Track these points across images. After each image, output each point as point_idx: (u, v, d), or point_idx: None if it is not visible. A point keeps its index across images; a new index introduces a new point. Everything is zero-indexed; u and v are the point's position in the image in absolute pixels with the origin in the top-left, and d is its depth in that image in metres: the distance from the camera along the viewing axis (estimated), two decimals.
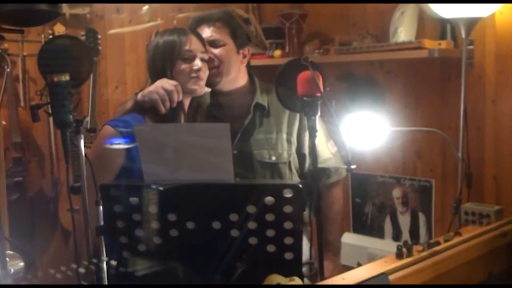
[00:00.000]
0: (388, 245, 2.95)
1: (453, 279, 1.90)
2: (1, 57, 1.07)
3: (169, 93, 1.86)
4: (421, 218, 2.85)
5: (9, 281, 0.94)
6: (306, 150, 2.13)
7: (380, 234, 3.01)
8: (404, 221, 2.91)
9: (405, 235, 2.91)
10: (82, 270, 1.46)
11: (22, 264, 1.02)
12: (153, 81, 1.95)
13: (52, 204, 2.76)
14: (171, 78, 1.94)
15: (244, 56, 2.18)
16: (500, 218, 2.24)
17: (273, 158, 2.13)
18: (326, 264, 2.15)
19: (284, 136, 2.16)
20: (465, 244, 1.99)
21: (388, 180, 2.94)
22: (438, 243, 1.92)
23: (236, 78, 2.16)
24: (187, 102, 1.99)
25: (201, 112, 2.10)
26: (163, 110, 1.86)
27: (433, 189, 2.78)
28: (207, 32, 2.12)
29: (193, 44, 1.97)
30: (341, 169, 2.24)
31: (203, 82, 1.98)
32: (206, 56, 2.01)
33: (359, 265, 2.82)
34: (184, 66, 1.95)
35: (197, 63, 1.96)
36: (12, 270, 0.97)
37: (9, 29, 1.06)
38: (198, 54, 1.97)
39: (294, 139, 2.15)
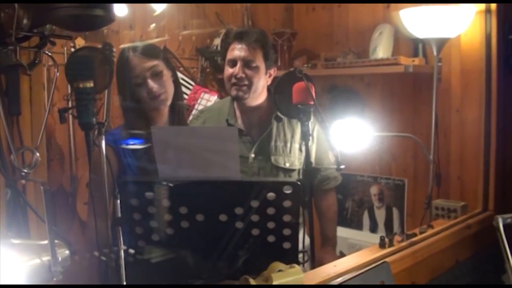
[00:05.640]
0: (366, 236, 2.94)
1: (427, 266, 1.88)
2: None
3: None
4: (395, 212, 2.83)
5: (59, 269, 0.88)
6: (313, 159, 2.08)
7: (359, 226, 2.99)
8: (380, 215, 2.90)
9: (381, 228, 2.90)
10: (103, 258, 1.41)
11: (67, 252, 0.94)
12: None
13: (70, 198, 2.70)
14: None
15: (270, 76, 2.10)
16: (465, 213, 2.23)
17: (287, 164, 2.09)
18: (326, 255, 2.13)
19: (297, 145, 2.11)
20: (437, 236, 1.97)
21: (366, 179, 2.93)
22: (414, 235, 1.91)
23: (260, 94, 2.08)
24: (161, 116, 1.90)
25: (182, 113, 2.01)
26: None
27: (406, 187, 2.78)
28: (244, 50, 2.02)
29: (138, 68, 1.81)
30: (339, 176, 2.20)
31: (164, 95, 1.84)
32: (158, 69, 1.83)
33: (341, 253, 2.80)
34: (140, 91, 1.82)
35: (148, 85, 1.81)
36: (60, 258, 0.90)
37: (59, 35, 1.00)
38: (147, 75, 1.81)
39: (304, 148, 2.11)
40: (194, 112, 2.92)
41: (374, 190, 2.92)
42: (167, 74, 1.88)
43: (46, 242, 0.88)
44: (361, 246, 2.90)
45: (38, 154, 0.95)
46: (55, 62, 1.11)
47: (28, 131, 1.03)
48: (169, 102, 1.89)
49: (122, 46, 2.02)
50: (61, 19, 0.89)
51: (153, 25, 3.04)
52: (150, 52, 1.87)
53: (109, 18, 0.97)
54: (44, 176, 1.08)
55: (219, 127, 2.01)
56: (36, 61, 0.99)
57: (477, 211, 2.28)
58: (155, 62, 1.85)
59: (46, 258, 0.87)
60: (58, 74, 1.12)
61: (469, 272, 2.08)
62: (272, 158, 2.10)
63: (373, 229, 2.93)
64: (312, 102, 1.75)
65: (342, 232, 3.00)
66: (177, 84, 1.99)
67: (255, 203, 1.48)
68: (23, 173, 0.89)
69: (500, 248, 2.11)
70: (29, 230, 0.97)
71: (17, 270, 0.80)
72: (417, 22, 2.16)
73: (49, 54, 1.05)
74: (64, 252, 0.93)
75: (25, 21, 0.83)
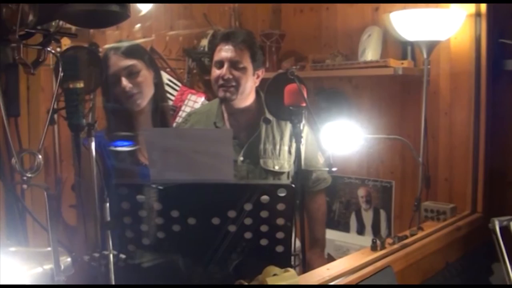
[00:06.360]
0: (353, 238, 2.94)
1: (418, 268, 1.88)
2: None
3: None
4: (382, 214, 2.83)
5: (62, 278, 0.83)
6: (302, 161, 2.06)
7: (346, 228, 2.99)
8: (367, 217, 2.90)
9: (368, 230, 2.90)
10: (93, 263, 1.37)
11: (69, 260, 0.89)
12: None
13: (55, 201, 2.63)
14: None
15: (258, 77, 2.07)
16: (454, 215, 2.25)
17: (276, 167, 2.07)
18: (315, 258, 2.11)
19: (286, 148, 2.08)
20: (428, 238, 1.98)
21: (354, 181, 2.93)
22: (406, 237, 1.90)
23: (248, 96, 2.05)
24: (143, 118, 1.86)
25: (165, 115, 1.98)
26: None
27: (393, 189, 2.78)
28: (231, 51, 1.99)
29: (114, 66, 1.79)
30: (328, 177, 2.18)
31: (138, 96, 1.81)
32: (135, 69, 1.81)
33: (328, 255, 2.80)
34: (115, 90, 1.79)
35: (122, 84, 1.78)
36: (62, 267, 0.85)
37: (64, 33, 0.96)
38: (122, 73, 1.79)
39: (293, 150, 2.07)
40: (180, 113, 2.88)
41: (361, 192, 2.91)
42: (146, 75, 1.85)
43: (46, 249, 0.84)
44: (348, 248, 2.90)
45: (40, 157, 0.91)
46: (60, 61, 1.06)
47: (26, 133, 0.98)
48: (144, 103, 1.84)
49: (106, 46, 1.99)
50: (72, 15, 0.84)
51: (138, 26, 2.99)
52: (130, 51, 1.84)
53: (125, 14, 0.92)
54: (41, 180, 1.04)
55: (214, 129, 1.97)
56: (40, 60, 0.94)
57: (466, 213, 2.29)
58: (132, 62, 1.82)
59: (48, 266, 0.82)
60: (62, 74, 1.07)
61: (458, 274, 2.09)
62: (261, 161, 2.07)
63: (360, 231, 2.93)
64: (304, 104, 1.74)
65: (329, 234, 2.98)
66: (159, 86, 1.95)
67: (248, 206, 1.46)
68: (25, 178, 0.85)
69: (488, 249, 2.13)
70: (28, 237, 0.93)
71: (18, 279, 0.76)
72: (407, 25, 2.16)
73: (53, 52, 1.01)
74: (66, 260, 0.88)
75: (30, 17, 0.79)
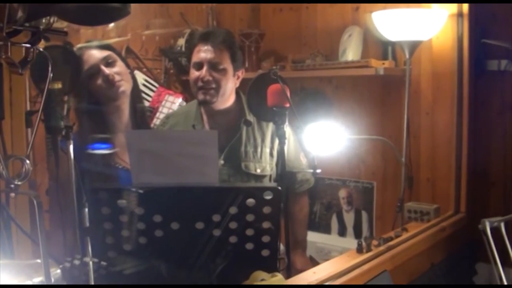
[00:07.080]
0: (334, 239, 2.93)
1: (405, 270, 1.87)
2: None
3: None
4: (364, 215, 2.83)
5: None
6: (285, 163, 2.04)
7: (327, 230, 2.98)
8: (349, 218, 2.89)
9: (350, 231, 2.89)
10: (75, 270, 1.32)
11: (59, 271, 0.84)
12: None
13: (29, 205, 2.55)
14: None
15: (238, 78, 2.03)
16: (438, 216, 2.25)
17: (258, 170, 2.03)
18: (297, 259, 2.09)
19: (268, 150, 2.05)
20: (414, 239, 1.97)
21: (335, 182, 2.92)
22: (391, 238, 1.90)
23: (228, 98, 2.01)
24: (122, 119, 1.82)
25: (144, 117, 1.94)
26: None
27: (375, 190, 2.78)
28: (210, 52, 1.94)
29: (91, 59, 1.75)
30: (311, 178, 2.16)
31: (122, 83, 1.77)
32: (112, 58, 1.78)
33: (311, 257, 2.78)
34: (95, 82, 1.75)
35: (104, 72, 1.74)
36: (53, 280, 0.80)
37: (54, 31, 0.91)
38: (101, 63, 1.75)
39: (275, 152, 2.05)
40: (158, 114, 2.83)
41: (342, 193, 2.91)
42: (122, 65, 1.81)
43: (35, 261, 0.79)
44: (329, 250, 2.89)
45: (28, 162, 0.86)
46: (50, 61, 1.01)
47: (9, 137, 0.93)
48: (128, 92, 1.80)
49: (78, 45, 1.94)
50: (69, 11, 0.79)
51: (113, 24, 2.93)
52: (102, 45, 1.82)
53: (126, 11, 0.87)
54: (25, 187, 0.98)
55: (198, 130, 1.93)
56: (29, 59, 0.89)
57: (449, 213, 2.30)
58: (108, 53, 1.79)
59: (37, 279, 0.77)
60: (51, 75, 1.02)
61: (443, 275, 2.10)
62: (243, 164, 2.03)
63: (342, 232, 2.92)
64: (287, 105, 1.72)
65: (310, 236, 2.95)
66: (135, 83, 1.91)
67: (233, 210, 1.43)
68: (13, 185, 0.79)
69: (472, 250, 2.14)
70: (13, 248, 0.87)
71: None
72: (389, 25, 2.16)
73: (41, 49, 0.96)
74: (56, 272, 0.83)
75: (19, 13, 0.74)
